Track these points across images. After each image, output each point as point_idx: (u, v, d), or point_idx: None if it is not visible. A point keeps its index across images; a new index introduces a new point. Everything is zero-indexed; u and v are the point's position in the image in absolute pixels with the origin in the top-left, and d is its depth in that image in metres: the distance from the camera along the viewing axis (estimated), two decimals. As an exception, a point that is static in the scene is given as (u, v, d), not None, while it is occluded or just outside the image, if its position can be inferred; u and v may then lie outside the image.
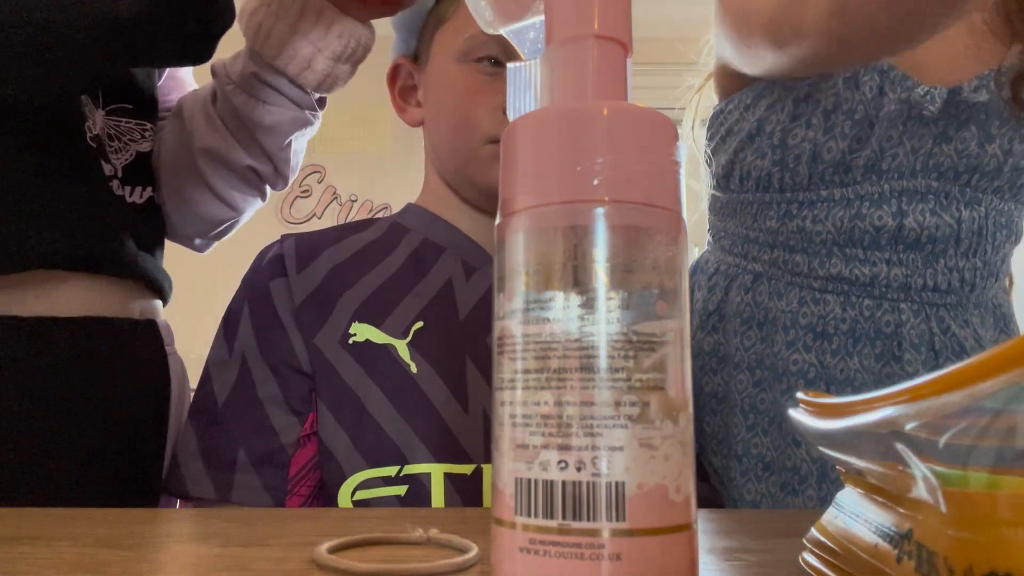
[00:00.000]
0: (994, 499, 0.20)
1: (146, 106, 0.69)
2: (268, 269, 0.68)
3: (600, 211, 0.23)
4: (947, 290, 0.69)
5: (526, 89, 0.28)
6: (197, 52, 0.58)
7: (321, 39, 0.62)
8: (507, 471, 0.23)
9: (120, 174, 0.66)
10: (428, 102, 0.73)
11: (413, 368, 0.63)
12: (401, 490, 0.60)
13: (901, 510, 0.25)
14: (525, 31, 0.32)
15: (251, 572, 0.31)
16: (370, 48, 0.64)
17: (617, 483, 0.22)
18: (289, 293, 0.66)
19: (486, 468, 0.61)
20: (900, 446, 0.22)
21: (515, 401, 0.23)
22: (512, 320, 0.24)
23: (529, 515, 0.22)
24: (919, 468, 0.22)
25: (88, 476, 0.59)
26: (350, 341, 0.64)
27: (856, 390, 0.68)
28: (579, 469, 0.22)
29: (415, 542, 0.36)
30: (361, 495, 0.60)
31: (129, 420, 0.63)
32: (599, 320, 0.22)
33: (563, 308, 0.23)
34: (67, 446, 0.58)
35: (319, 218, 3.19)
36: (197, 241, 0.81)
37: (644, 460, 0.22)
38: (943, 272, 0.69)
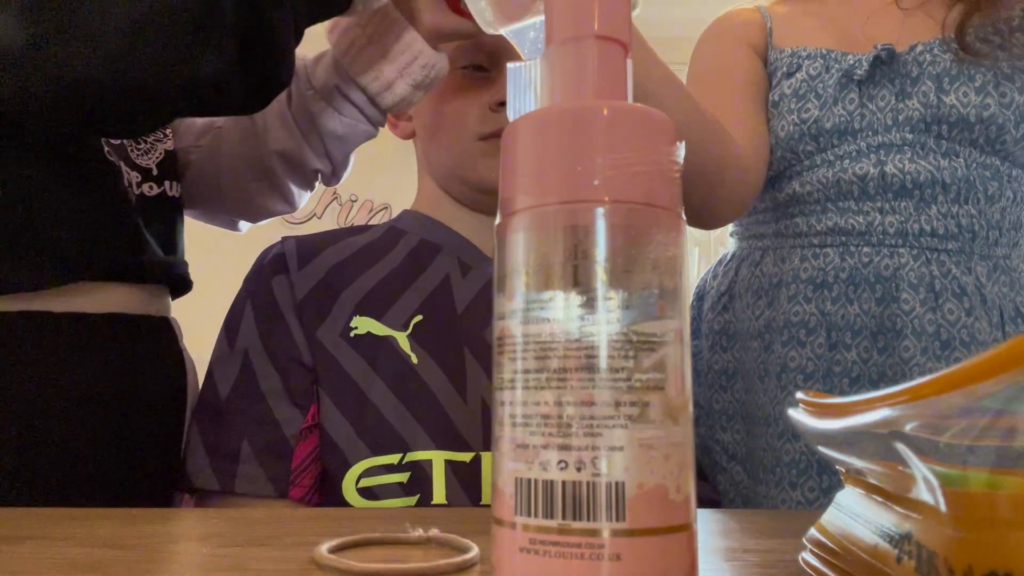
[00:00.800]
0: (994, 499, 0.20)
1: None
2: (269, 267, 0.69)
3: (600, 211, 0.23)
4: (945, 235, 0.72)
5: (526, 89, 0.28)
6: (256, 106, 0.61)
7: (407, 66, 0.65)
8: (507, 471, 0.23)
9: (156, 172, 0.68)
10: (418, 112, 0.76)
11: (414, 359, 0.65)
12: (404, 477, 0.61)
13: (901, 510, 0.25)
14: (525, 31, 0.32)
15: (251, 572, 0.31)
16: (443, 75, 0.67)
17: (617, 483, 0.22)
18: (291, 289, 0.68)
19: (485, 456, 0.62)
20: (900, 446, 0.22)
21: (515, 401, 0.23)
22: (512, 320, 0.24)
23: (529, 515, 0.22)
24: (919, 468, 0.22)
25: (114, 469, 0.60)
26: (351, 334, 0.66)
27: (856, 334, 0.72)
28: (579, 469, 0.22)
29: (415, 542, 0.36)
30: (365, 483, 0.61)
31: (154, 414, 0.64)
32: (599, 320, 0.22)
33: (563, 308, 0.23)
34: (94, 440, 0.59)
35: (319, 218, 3.19)
36: (242, 225, 0.85)
37: (644, 460, 0.22)
38: (937, 218, 0.72)
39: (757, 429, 0.77)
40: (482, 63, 0.71)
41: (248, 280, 0.70)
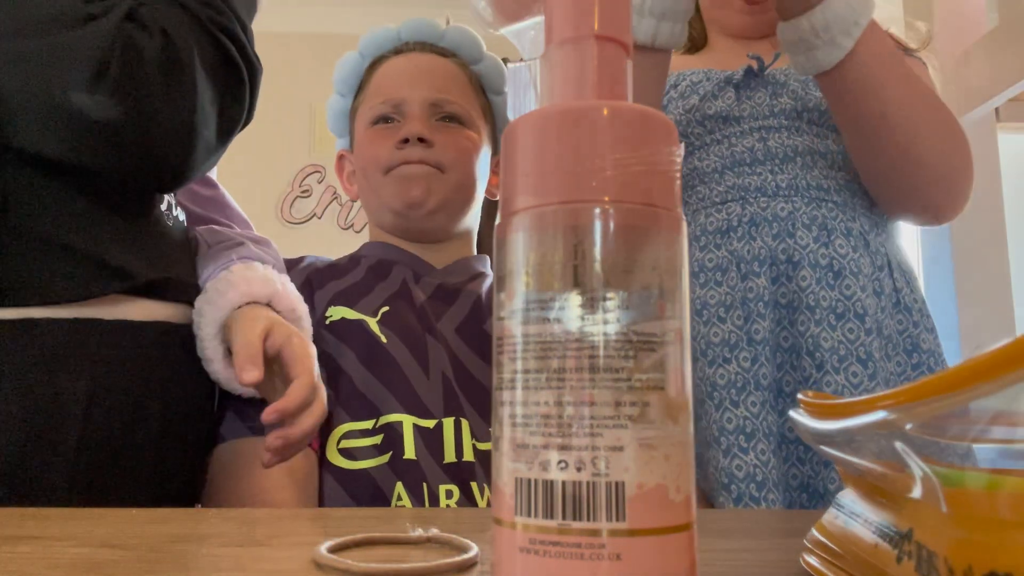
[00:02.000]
0: (994, 499, 0.20)
1: None
2: None
3: (600, 211, 0.23)
4: (830, 189, 0.83)
5: (526, 89, 0.28)
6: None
7: None
8: (507, 471, 0.23)
9: (176, 197, 0.73)
10: (357, 170, 0.91)
11: (383, 338, 0.76)
12: (378, 439, 0.71)
13: (901, 510, 0.25)
14: (525, 31, 0.32)
15: (251, 572, 0.31)
16: None
17: (617, 483, 0.22)
18: None
19: (446, 422, 0.73)
20: (900, 446, 0.22)
21: (515, 401, 0.23)
22: (512, 320, 0.24)
23: (529, 515, 0.22)
24: (919, 468, 0.22)
25: (153, 471, 0.63)
26: (327, 322, 0.77)
27: (761, 264, 0.80)
28: (579, 469, 0.22)
29: (415, 542, 0.36)
30: (344, 444, 0.71)
31: (190, 418, 0.67)
32: (599, 320, 0.22)
33: (563, 308, 0.23)
34: (140, 443, 0.61)
35: (319, 218, 3.19)
36: None
37: (644, 460, 0.22)
38: (822, 177, 0.83)
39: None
40: (389, 115, 0.86)
41: None
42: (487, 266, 0.91)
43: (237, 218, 0.86)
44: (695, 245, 0.84)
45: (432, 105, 0.85)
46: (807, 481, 0.76)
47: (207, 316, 0.66)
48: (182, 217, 0.74)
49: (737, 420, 0.76)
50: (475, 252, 0.93)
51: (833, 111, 0.81)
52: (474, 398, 0.75)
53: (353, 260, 0.87)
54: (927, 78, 0.90)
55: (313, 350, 0.65)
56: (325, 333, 0.76)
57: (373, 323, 0.77)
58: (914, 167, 0.80)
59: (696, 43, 1.02)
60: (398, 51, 0.90)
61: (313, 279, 0.82)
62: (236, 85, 0.62)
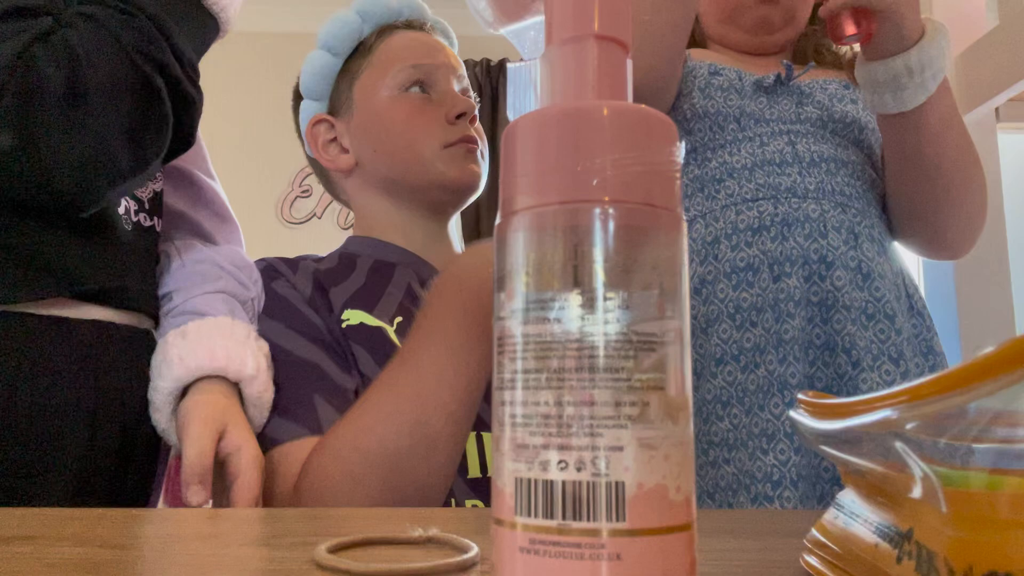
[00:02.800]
0: (994, 499, 0.20)
1: None
2: (264, 276, 0.76)
3: (600, 211, 0.23)
4: (853, 195, 0.87)
5: (526, 89, 0.28)
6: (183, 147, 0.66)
7: None
8: (507, 471, 0.23)
9: (147, 207, 0.72)
10: (365, 140, 0.83)
11: None
12: None
13: (901, 510, 0.25)
14: (525, 31, 0.32)
15: (251, 572, 0.31)
16: None
17: (617, 483, 0.22)
18: (294, 288, 0.74)
19: (436, 508, 0.64)
20: (900, 446, 0.22)
21: (515, 401, 0.23)
22: (512, 320, 0.24)
23: (529, 515, 0.22)
24: (919, 468, 0.22)
25: (93, 469, 0.62)
26: (343, 325, 0.72)
27: (793, 263, 0.82)
28: (579, 469, 0.22)
29: (415, 542, 0.36)
30: None
31: (136, 417, 0.66)
32: (599, 320, 0.22)
33: (563, 308, 0.23)
34: (75, 442, 0.61)
35: (319, 218, 3.19)
36: None
37: (644, 460, 0.22)
38: (845, 183, 0.87)
39: (705, 383, 0.83)
40: (421, 80, 0.81)
41: None
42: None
43: (218, 215, 0.83)
44: (726, 243, 0.85)
45: (457, 77, 0.84)
46: (838, 475, 0.78)
47: (160, 387, 0.64)
48: (149, 223, 0.72)
49: (762, 423, 0.77)
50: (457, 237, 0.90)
51: (891, 147, 0.86)
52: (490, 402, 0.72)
53: (346, 260, 0.82)
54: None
55: (260, 462, 0.61)
56: (343, 337, 0.72)
57: (391, 332, 0.73)
58: (954, 214, 0.86)
59: (693, 40, 1.03)
60: (410, 25, 0.87)
61: (322, 280, 0.77)
62: (158, 118, 0.60)
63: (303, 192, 3.19)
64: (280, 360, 0.68)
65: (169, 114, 0.61)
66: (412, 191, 0.82)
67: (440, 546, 0.35)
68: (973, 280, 1.58)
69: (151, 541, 0.37)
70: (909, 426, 0.21)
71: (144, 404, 0.66)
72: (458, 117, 0.80)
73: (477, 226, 2.98)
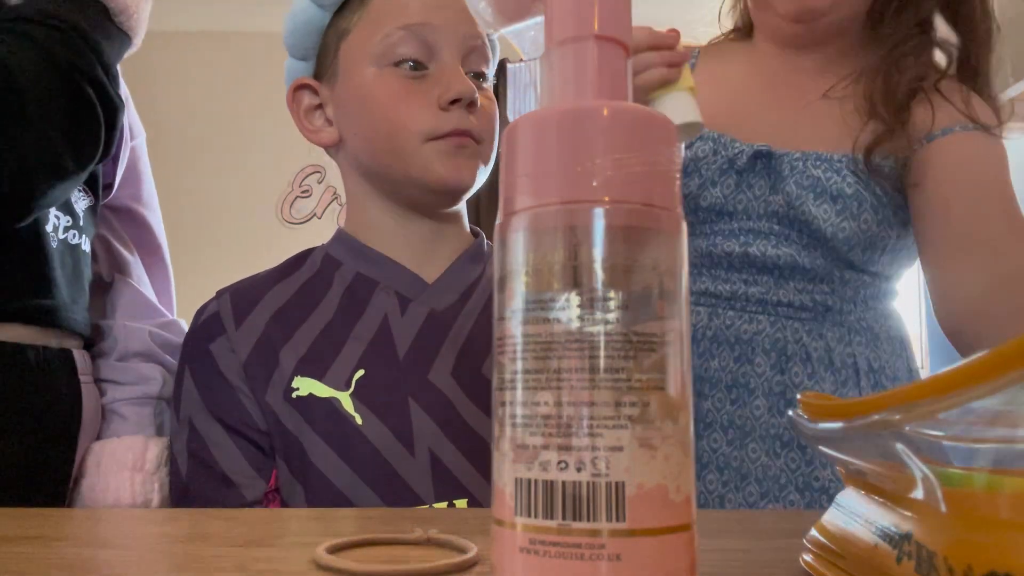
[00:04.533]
0: (994, 499, 0.20)
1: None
2: (204, 330, 0.67)
3: (600, 211, 0.23)
4: (800, 307, 0.82)
5: (526, 89, 0.28)
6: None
7: None
8: (507, 471, 0.23)
9: (81, 222, 0.72)
10: (347, 117, 0.70)
11: (358, 419, 0.62)
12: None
13: (901, 510, 0.25)
14: (525, 31, 0.32)
15: (251, 572, 0.31)
16: None
17: (617, 483, 0.22)
18: (232, 351, 0.65)
19: (436, 508, 0.61)
20: (900, 446, 0.22)
21: (515, 401, 0.23)
22: (512, 320, 0.24)
23: (529, 515, 0.22)
24: (919, 468, 0.22)
25: (14, 484, 0.63)
26: (293, 395, 0.63)
27: (713, 386, 0.81)
28: (579, 469, 0.22)
29: (415, 542, 0.36)
30: None
31: (38, 442, 0.66)
32: (599, 320, 0.22)
33: (563, 308, 0.23)
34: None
35: (319, 218, 3.20)
36: None
37: (644, 460, 0.22)
38: (795, 292, 0.82)
39: None
40: (419, 58, 0.66)
41: (185, 344, 0.69)
42: (483, 247, 0.76)
43: (154, 253, 0.85)
44: None
45: (465, 51, 0.68)
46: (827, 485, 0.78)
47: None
48: (77, 240, 0.72)
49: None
50: (467, 223, 0.77)
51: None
52: (475, 460, 0.62)
53: (327, 267, 0.71)
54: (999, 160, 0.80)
55: None
56: (293, 411, 0.63)
57: (346, 399, 0.63)
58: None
59: (742, 31, 0.94)
60: None
61: (277, 331, 0.66)
62: (92, 123, 0.62)
63: (303, 192, 3.18)
64: (192, 453, 0.64)
65: (102, 120, 0.63)
66: (393, 187, 0.69)
67: (439, 546, 0.35)
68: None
69: (151, 541, 0.37)
70: (909, 426, 0.21)
71: (57, 422, 0.68)
72: (452, 103, 0.65)
73: (477, 226, 2.98)
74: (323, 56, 0.71)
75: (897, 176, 0.80)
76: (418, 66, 0.66)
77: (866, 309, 0.84)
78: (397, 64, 0.66)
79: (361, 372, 0.64)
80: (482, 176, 0.70)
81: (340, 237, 0.74)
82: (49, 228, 0.68)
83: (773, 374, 0.80)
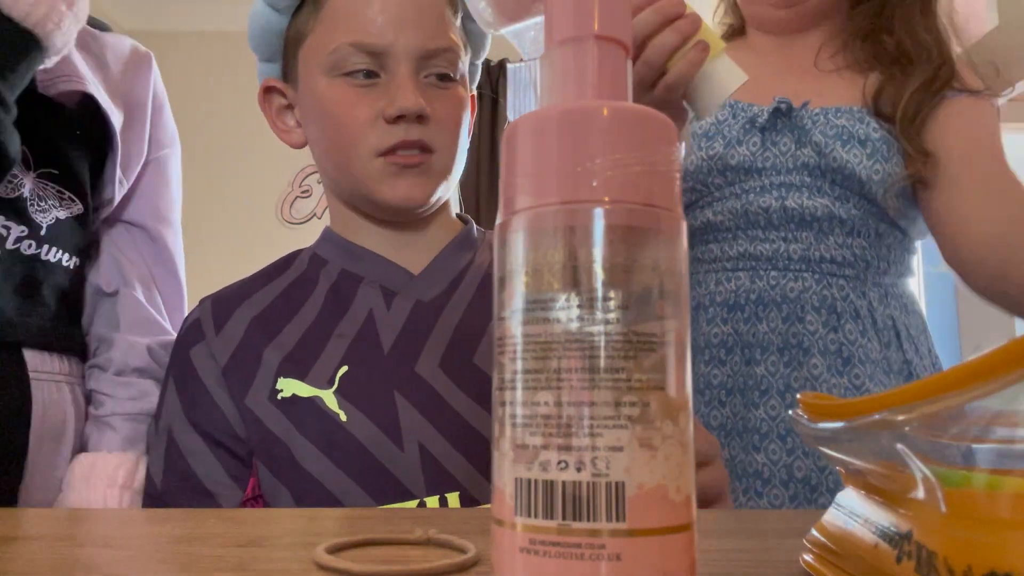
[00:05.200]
0: (994, 499, 0.20)
1: (71, 177, 0.73)
2: (186, 337, 0.68)
3: (600, 211, 0.23)
4: (843, 263, 0.81)
5: (526, 89, 0.28)
6: None
7: None
8: (507, 471, 0.23)
9: (44, 232, 0.71)
10: (306, 122, 0.70)
11: (342, 416, 0.62)
12: None
13: (901, 510, 0.25)
14: (525, 31, 0.32)
15: (251, 572, 0.31)
16: None
17: (617, 483, 0.22)
18: (212, 357, 0.65)
19: (429, 501, 0.60)
20: (900, 446, 0.22)
21: (515, 401, 0.23)
22: (512, 320, 0.24)
23: (529, 515, 0.22)
24: (919, 468, 0.22)
25: None
26: (278, 397, 0.63)
27: (764, 350, 0.80)
28: (579, 469, 0.22)
29: (415, 542, 0.36)
30: None
31: None
32: (599, 320, 0.22)
33: (563, 308, 0.23)
34: None
35: (319, 218, 3.19)
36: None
37: (644, 460, 0.22)
38: (835, 247, 0.81)
39: None
40: (366, 67, 0.64)
41: (171, 353, 0.69)
42: (472, 233, 0.75)
43: (170, 273, 0.85)
44: (702, 316, 0.83)
45: (422, 58, 0.65)
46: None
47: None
48: (34, 251, 0.71)
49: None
50: (453, 212, 0.76)
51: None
52: (466, 452, 0.61)
53: (314, 267, 0.70)
54: (991, 120, 0.85)
55: None
56: (278, 413, 0.62)
57: (329, 397, 0.62)
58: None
59: (734, 28, 0.98)
60: None
61: (260, 333, 0.65)
62: None
63: (303, 192, 3.18)
64: (168, 462, 0.64)
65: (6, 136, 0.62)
66: (352, 199, 0.69)
67: (439, 546, 0.35)
68: (973, 280, 1.58)
69: (151, 541, 0.37)
70: (909, 426, 0.21)
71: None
72: (398, 117, 0.63)
73: (478, 226, 2.97)
74: (286, 58, 0.70)
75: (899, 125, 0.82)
76: (370, 74, 0.64)
77: (898, 276, 0.86)
78: (348, 74, 0.64)
79: (344, 369, 0.63)
80: (442, 188, 0.68)
81: (326, 235, 0.73)
82: (12, 244, 0.67)
83: (826, 332, 0.79)
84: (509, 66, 0.29)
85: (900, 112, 0.81)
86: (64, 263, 0.73)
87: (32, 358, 0.70)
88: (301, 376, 0.63)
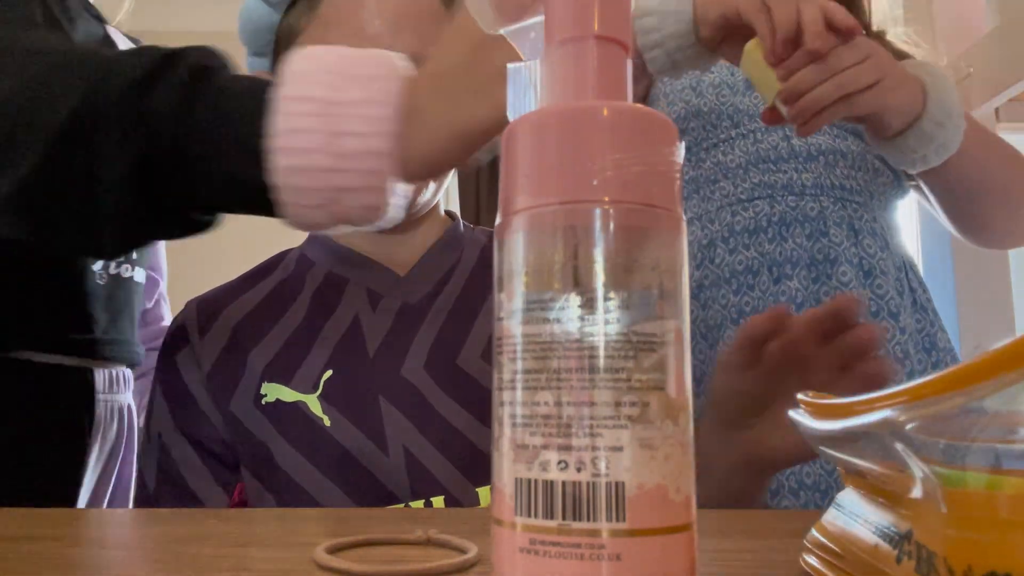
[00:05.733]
0: (994, 499, 0.20)
1: None
2: (171, 342, 0.67)
3: (600, 211, 0.23)
4: (852, 190, 0.85)
5: (526, 89, 0.28)
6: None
7: None
8: (507, 471, 0.23)
9: (135, 255, 0.72)
10: None
11: (326, 421, 0.61)
12: None
13: (901, 510, 0.25)
14: (525, 31, 0.32)
15: (251, 572, 0.31)
16: None
17: (617, 483, 0.22)
18: (196, 362, 0.65)
19: (414, 505, 0.60)
20: (900, 446, 0.22)
21: (515, 401, 0.23)
22: (512, 320, 0.24)
23: (529, 515, 0.22)
24: (919, 468, 0.22)
25: (16, 491, 0.63)
26: (263, 402, 0.62)
27: (794, 266, 0.81)
28: (579, 469, 0.22)
29: (415, 542, 0.36)
30: None
31: (43, 457, 0.66)
32: (599, 320, 0.22)
33: (563, 308, 0.23)
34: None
35: (319, 218, 3.20)
36: None
37: (644, 460, 0.22)
38: (844, 176, 0.85)
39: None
40: None
41: (158, 358, 0.68)
42: (458, 231, 0.74)
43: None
44: (723, 247, 0.84)
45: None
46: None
47: None
48: (129, 274, 0.72)
49: None
50: (442, 209, 0.74)
51: (934, 187, 0.84)
52: (452, 456, 0.61)
53: (300, 269, 0.70)
54: None
55: None
56: (262, 417, 0.62)
57: (313, 402, 0.62)
58: (1013, 219, 0.85)
59: None
60: None
61: (246, 335, 0.64)
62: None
63: (303, 192, 3.19)
64: (160, 469, 0.64)
65: None
66: None
67: (439, 546, 0.35)
68: (973, 280, 1.58)
69: (151, 541, 0.37)
70: (909, 426, 0.21)
71: (63, 434, 0.68)
72: None
73: (477, 225, 2.97)
74: (278, 53, 0.69)
75: None
76: None
77: (893, 208, 0.90)
78: None
79: (329, 373, 0.63)
80: (428, 193, 0.67)
81: (313, 236, 0.72)
82: (98, 265, 0.67)
83: (850, 245, 0.81)
84: (509, 66, 0.29)
85: None
86: (136, 279, 0.74)
87: (98, 377, 0.70)
88: (285, 381, 0.63)
